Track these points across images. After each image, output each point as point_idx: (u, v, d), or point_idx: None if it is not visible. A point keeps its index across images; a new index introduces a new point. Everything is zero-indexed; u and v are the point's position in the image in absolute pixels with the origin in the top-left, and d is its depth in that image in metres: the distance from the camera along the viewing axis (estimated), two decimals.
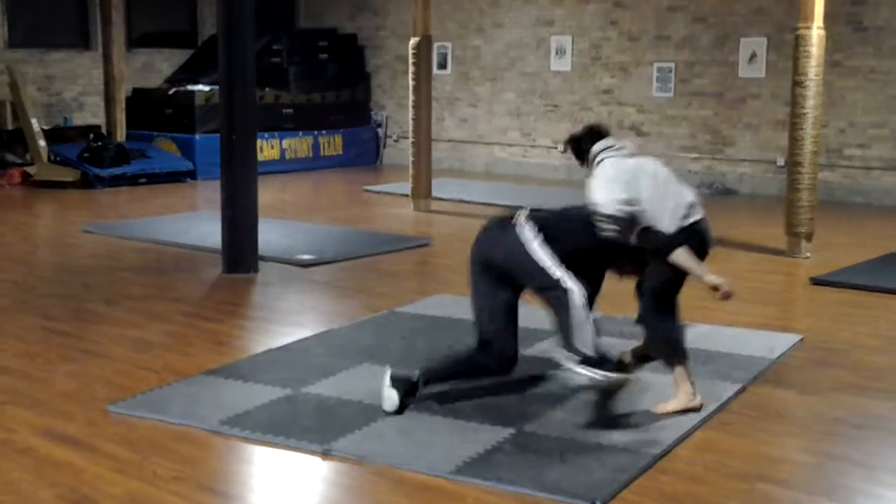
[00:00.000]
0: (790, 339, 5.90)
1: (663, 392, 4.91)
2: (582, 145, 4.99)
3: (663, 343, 4.78)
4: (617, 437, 4.34)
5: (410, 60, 10.85)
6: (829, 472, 4.07)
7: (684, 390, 4.71)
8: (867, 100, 11.69)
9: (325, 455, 4.16)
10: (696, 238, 4.83)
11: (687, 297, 7.01)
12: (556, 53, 14.12)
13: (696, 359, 5.45)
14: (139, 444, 4.27)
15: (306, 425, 4.46)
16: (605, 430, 4.42)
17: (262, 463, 4.19)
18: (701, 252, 4.85)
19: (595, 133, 5.03)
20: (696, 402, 4.70)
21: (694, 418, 4.57)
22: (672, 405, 4.69)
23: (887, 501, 3.83)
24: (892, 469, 4.09)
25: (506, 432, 4.38)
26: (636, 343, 5.14)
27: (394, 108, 15.92)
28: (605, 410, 4.70)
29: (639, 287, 4.89)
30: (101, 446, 4.25)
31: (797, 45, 8.27)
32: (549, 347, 5.46)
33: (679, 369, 4.73)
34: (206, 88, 13.88)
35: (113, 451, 4.19)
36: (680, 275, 4.77)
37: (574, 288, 4.58)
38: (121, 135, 13.93)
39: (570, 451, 4.19)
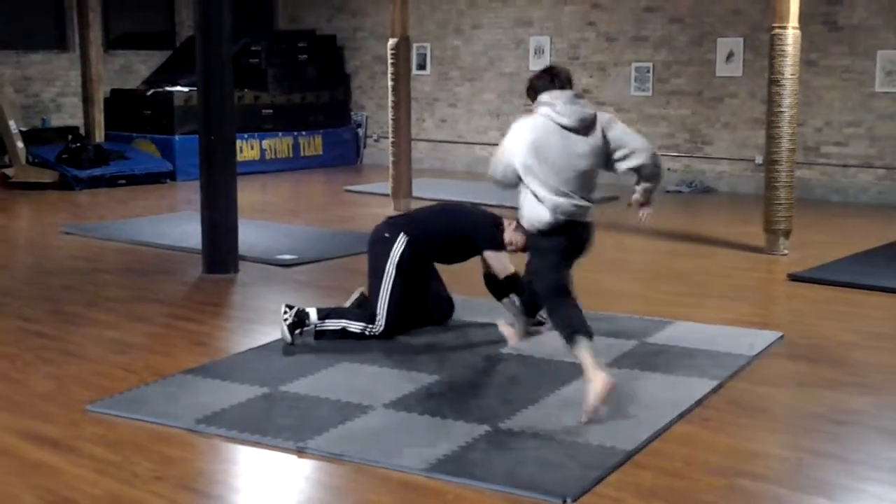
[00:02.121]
0: (769, 335, 5.93)
1: (634, 391, 4.93)
2: (532, 87, 5.02)
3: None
4: (591, 433, 4.35)
5: (389, 61, 10.85)
6: (809, 467, 4.09)
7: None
8: (843, 98, 11.77)
9: (301, 453, 4.17)
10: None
11: (667, 294, 7.10)
12: (535, 54, 14.15)
13: (676, 355, 5.50)
14: (119, 444, 4.26)
15: (282, 423, 4.46)
16: (579, 426, 4.42)
17: (241, 461, 4.19)
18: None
19: (548, 80, 4.96)
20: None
21: (671, 414, 4.58)
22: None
23: (867, 496, 3.85)
24: (872, 464, 4.12)
25: (481, 429, 4.39)
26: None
27: (374, 108, 15.91)
28: (580, 407, 4.68)
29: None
30: (80, 447, 4.24)
31: (773, 45, 8.31)
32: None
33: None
34: (185, 89, 13.83)
35: (93, 452, 4.18)
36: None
37: None
38: (99, 136, 13.87)
39: (544, 447, 4.20)
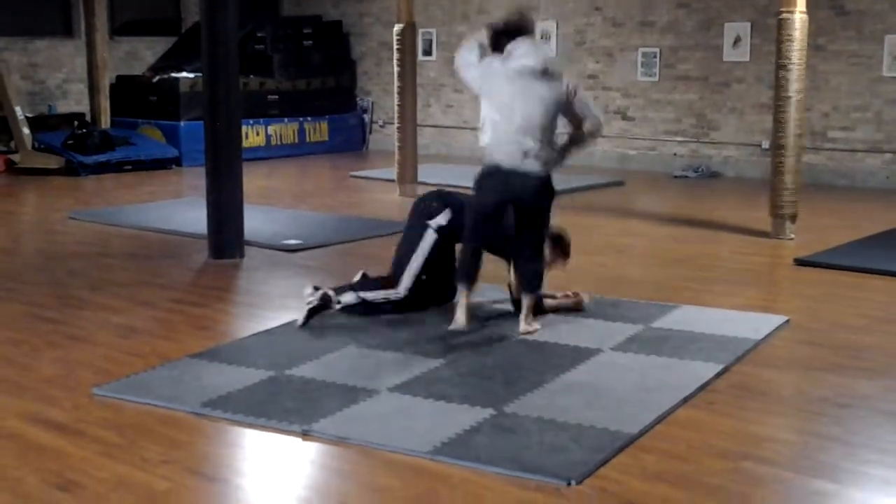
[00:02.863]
0: (775, 319, 5.92)
1: (639, 375, 4.94)
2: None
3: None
4: (596, 417, 4.34)
5: (395, 47, 10.83)
6: (814, 450, 4.09)
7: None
8: (850, 83, 11.73)
9: (305, 435, 4.18)
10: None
11: (673, 278, 7.09)
12: (541, 39, 14.10)
13: (681, 339, 5.50)
14: (126, 428, 4.27)
15: (288, 407, 4.47)
16: (584, 410, 4.43)
17: (247, 445, 4.20)
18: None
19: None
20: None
21: (676, 397, 4.58)
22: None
23: (871, 479, 3.85)
24: (877, 447, 4.11)
25: (485, 413, 4.39)
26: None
27: (379, 94, 15.90)
28: (585, 391, 4.70)
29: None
30: (87, 431, 4.25)
31: (780, 30, 8.28)
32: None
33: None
34: (191, 75, 13.83)
35: (100, 436, 4.19)
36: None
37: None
38: (105, 122, 13.88)
39: (548, 431, 4.20)
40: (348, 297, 5.86)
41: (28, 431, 4.25)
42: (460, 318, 5.62)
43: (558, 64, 5.78)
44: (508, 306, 5.99)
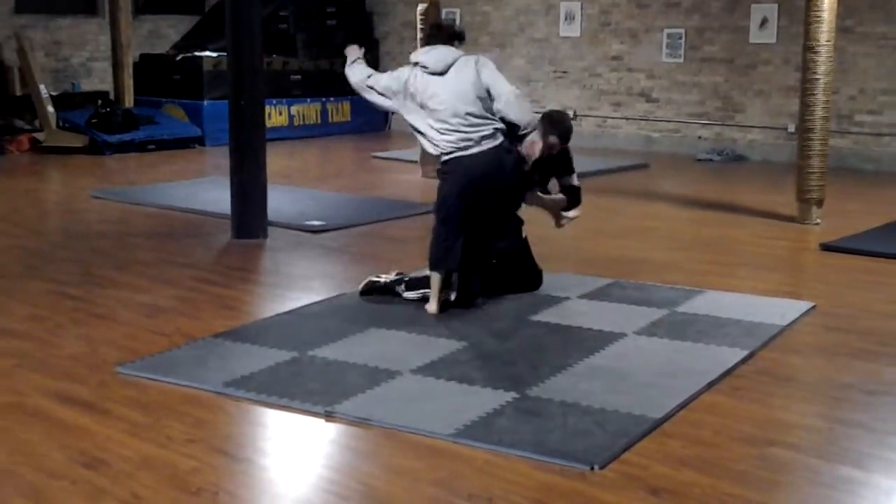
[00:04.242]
0: (801, 305, 5.87)
1: (663, 360, 4.91)
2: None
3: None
4: (620, 401, 4.32)
5: (418, 26, 10.78)
6: (841, 437, 4.06)
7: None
8: (878, 66, 11.61)
9: (329, 416, 4.18)
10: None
11: (698, 263, 7.05)
12: (566, 19, 14.03)
13: (706, 324, 5.46)
14: (150, 406, 4.28)
15: (311, 388, 4.47)
16: (608, 394, 4.40)
17: (270, 425, 4.21)
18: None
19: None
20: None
21: (701, 382, 4.55)
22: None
23: None
24: None
25: (508, 396, 4.37)
26: None
27: None
28: (609, 375, 4.68)
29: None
30: (112, 409, 4.26)
31: (808, 11, 8.19)
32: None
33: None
34: (214, 55, 13.83)
35: (124, 414, 4.20)
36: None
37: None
38: (129, 101, 13.90)
39: (571, 415, 4.18)
40: (411, 294, 5.86)
41: (53, 409, 4.27)
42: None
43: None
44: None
